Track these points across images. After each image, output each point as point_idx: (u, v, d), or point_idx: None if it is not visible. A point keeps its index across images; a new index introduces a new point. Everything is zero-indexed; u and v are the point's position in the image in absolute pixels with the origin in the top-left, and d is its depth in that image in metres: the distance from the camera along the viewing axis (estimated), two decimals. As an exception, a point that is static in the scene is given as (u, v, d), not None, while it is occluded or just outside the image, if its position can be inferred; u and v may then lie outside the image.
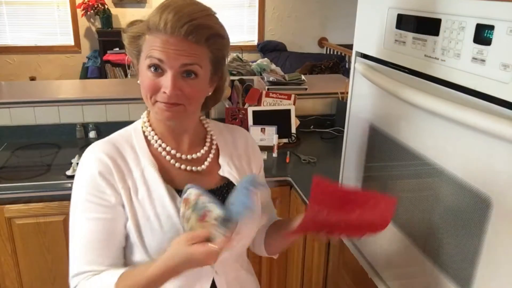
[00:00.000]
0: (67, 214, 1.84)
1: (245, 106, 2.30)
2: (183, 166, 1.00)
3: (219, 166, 1.04)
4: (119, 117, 2.33)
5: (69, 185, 1.80)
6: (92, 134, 2.29)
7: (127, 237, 0.96)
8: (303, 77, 2.60)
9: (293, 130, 2.28)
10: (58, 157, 2.07)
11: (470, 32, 0.85)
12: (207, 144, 1.06)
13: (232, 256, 1.04)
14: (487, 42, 0.81)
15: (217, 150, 1.06)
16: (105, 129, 2.33)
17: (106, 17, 5.25)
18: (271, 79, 2.53)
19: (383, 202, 0.92)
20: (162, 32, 0.87)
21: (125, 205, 0.93)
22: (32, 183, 1.80)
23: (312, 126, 2.50)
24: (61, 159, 2.04)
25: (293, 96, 2.32)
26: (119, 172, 0.94)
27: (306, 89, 2.53)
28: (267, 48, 5.64)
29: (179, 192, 0.95)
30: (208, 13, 0.93)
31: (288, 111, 2.29)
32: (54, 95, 2.35)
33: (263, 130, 2.21)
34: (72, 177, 1.84)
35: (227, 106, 2.32)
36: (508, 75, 0.77)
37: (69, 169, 1.88)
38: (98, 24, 5.40)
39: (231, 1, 5.65)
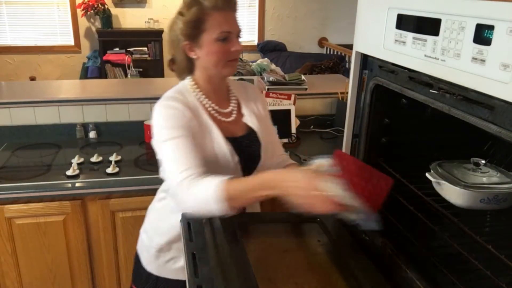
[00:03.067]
0: (67, 214, 1.84)
1: (245, 106, 2.30)
2: (222, 118, 1.27)
3: (242, 115, 1.32)
4: (119, 117, 2.33)
5: (69, 185, 1.81)
6: (92, 134, 2.29)
7: None
8: (303, 77, 2.60)
9: (293, 130, 2.28)
10: (58, 157, 2.07)
11: (470, 32, 0.85)
12: (232, 99, 1.33)
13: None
14: (487, 42, 0.81)
15: (238, 102, 1.34)
16: (105, 129, 2.32)
17: (106, 17, 5.25)
18: (271, 79, 2.52)
19: (383, 182, 1.11)
20: (221, 9, 1.16)
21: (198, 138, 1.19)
22: (32, 183, 1.80)
23: (312, 126, 2.50)
24: (61, 159, 2.04)
25: (293, 96, 2.32)
26: (187, 115, 1.19)
27: (306, 89, 2.52)
28: (267, 48, 5.64)
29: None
30: None
31: (288, 111, 2.28)
32: (54, 95, 2.35)
33: (263, 130, 2.21)
34: (72, 177, 1.84)
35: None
36: (508, 75, 0.77)
37: (69, 169, 1.88)
38: (98, 24, 5.40)
39: (231, 1, 5.65)
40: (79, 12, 5.22)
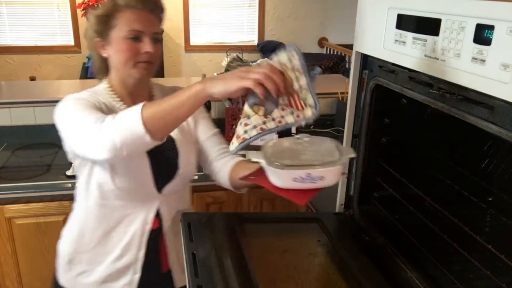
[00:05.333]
0: (67, 214, 1.84)
1: (245, 106, 2.29)
2: None
3: None
4: (119, 117, 2.32)
5: (69, 185, 1.81)
6: (92, 134, 2.29)
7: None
8: (303, 77, 2.60)
9: (293, 130, 2.28)
10: (58, 157, 2.07)
11: (470, 32, 0.85)
12: None
13: (177, 190, 1.27)
14: (487, 42, 0.81)
15: None
16: (105, 129, 2.32)
17: (106, 17, 5.25)
18: (271, 79, 2.52)
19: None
20: (135, 8, 1.13)
21: None
22: (32, 183, 1.80)
23: (312, 126, 2.50)
24: (61, 159, 2.04)
25: (293, 96, 2.32)
26: (101, 107, 1.14)
27: (306, 89, 2.52)
28: (267, 48, 5.63)
29: None
30: None
31: (288, 111, 2.28)
32: (54, 95, 2.35)
33: (263, 130, 2.21)
34: (72, 177, 1.84)
35: (227, 106, 2.32)
36: (508, 75, 0.77)
37: (69, 169, 1.88)
38: (98, 24, 5.39)
39: (231, 1, 5.64)
40: (79, 12, 5.21)
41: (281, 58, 0.95)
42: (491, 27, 0.80)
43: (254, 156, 0.96)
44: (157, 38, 1.17)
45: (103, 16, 1.14)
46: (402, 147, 1.32)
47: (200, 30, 5.64)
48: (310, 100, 0.95)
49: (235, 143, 0.92)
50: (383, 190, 1.30)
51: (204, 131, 1.34)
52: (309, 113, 0.95)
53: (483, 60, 0.82)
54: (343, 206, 1.37)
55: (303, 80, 0.93)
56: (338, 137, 2.40)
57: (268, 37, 5.87)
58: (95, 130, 0.98)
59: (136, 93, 1.23)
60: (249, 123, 0.91)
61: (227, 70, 4.06)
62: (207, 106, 2.25)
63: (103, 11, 1.14)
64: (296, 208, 1.92)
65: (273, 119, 0.92)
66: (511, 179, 1.23)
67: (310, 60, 4.80)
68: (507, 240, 1.09)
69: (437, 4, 0.94)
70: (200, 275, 0.97)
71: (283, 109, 0.93)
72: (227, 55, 4.39)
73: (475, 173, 1.28)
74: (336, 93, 2.50)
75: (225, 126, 2.32)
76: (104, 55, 1.19)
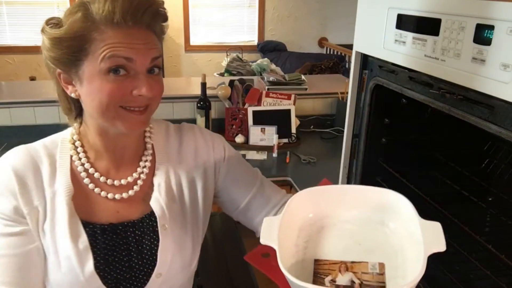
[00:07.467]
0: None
1: (245, 106, 2.30)
2: (110, 195, 0.83)
3: (152, 188, 0.85)
4: (119, 117, 2.32)
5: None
6: (92, 134, 2.29)
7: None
8: (303, 77, 2.60)
9: (293, 130, 2.28)
10: (58, 157, 2.07)
11: (470, 32, 0.85)
12: (144, 159, 0.87)
13: None
14: (487, 42, 0.81)
15: (153, 165, 0.87)
16: (105, 129, 2.32)
17: (106, 17, 5.25)
18: (271, 79, 2.53)
19: None
20: (120, 24, 0.71)
21: (33, 230, 0.77)
22: (32, 183, 1.79)
23: (312, 126, 2.50)
24: (61, 159, 2.04)
25: (293, 96, 2.32)
26: (25, 194, 0.78)
27: (306, 89, 2.53)
28: (267, 48, 5.64)
29: (91, 225, 0.78)
30: None
31: (288, 111, 2.28)
32: (54, 95, 2.35)
33: (263, 130, 2.21)
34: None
35: (227, 106, 2.32)
36: (508, 75, 0.77)
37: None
38: (98, 24, 5.39)
39: (231, 1, 5.64)
40: (79, 12, 5.22)
41: None
42: (491, 27, 0.80)
43: (267, 239, 0.67)
44: (156, 66, 0.76)
45: (66, 40, 0.74)
46: (402, 147, 1.32)
47: (200, 30, 5.64)
48: None
49: None
50: (383, 190, 1.30)
51: (240, 192, 0.92)
52: None
53: (483, 60, 0.82)
54: (343, 206, 1.37)
55: None
56: (338, 137, 2.40)
57: (268, 37, 5.87)
58: None
59: (117, 147, 0.84)
60: None
61: (227, 70, 4.07)
62: (207, 106, 2.25)
63: (66, 33, 0.73)
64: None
65: None
66: (511, 179, 1.23)
67: (310, 60, 4.80)
68: (507, 240, 1.09)
69: (437, 4, 0.94)
70: (200, 275, 0.97)
71: None
72: (227, 55, 4.40)
73: (475, 173, 1.28)
74: (336, 93, 2.50)
75: (225, 126, 2.32)
76: (71, 94, 0.80)
